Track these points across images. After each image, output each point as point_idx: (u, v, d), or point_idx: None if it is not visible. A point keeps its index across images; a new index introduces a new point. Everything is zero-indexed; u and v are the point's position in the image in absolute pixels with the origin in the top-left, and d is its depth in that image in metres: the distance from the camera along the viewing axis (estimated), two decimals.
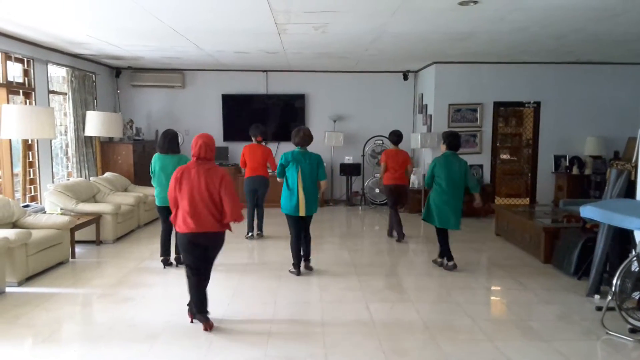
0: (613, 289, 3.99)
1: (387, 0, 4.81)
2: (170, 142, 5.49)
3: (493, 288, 5.26)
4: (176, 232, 4.01)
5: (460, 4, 4.90)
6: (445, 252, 5.71)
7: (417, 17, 5.50)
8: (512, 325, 4.15)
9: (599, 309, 4.39)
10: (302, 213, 5.33)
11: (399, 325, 4.14)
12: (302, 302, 4.68)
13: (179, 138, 9.57)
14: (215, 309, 4.31)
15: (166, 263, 5.71)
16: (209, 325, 3.96)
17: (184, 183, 3.87)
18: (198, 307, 4.03)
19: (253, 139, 7.11)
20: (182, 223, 3.89)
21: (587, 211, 4.47)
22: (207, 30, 6.29)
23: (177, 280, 5.29)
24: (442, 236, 5.71)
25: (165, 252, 5.73)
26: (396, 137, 7.16)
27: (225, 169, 4.12)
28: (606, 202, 4.62)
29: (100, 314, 4.42)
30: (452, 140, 5.66)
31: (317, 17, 5.52)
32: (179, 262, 5.65)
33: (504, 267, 5.82)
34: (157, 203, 5.60)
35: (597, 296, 4.76)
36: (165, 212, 5.59)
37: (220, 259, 5.69)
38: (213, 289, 4.93)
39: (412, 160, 7.35)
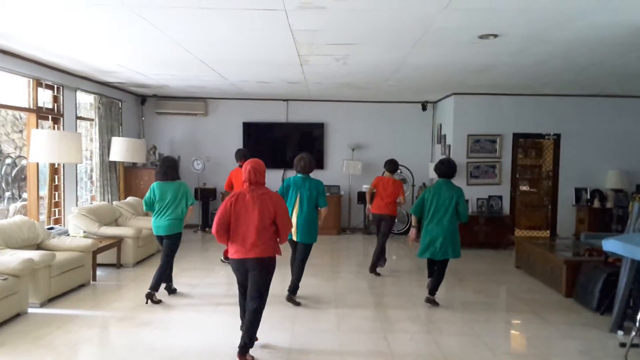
0: (637, 324, 3.92)
1: (408, 33, 4.92)
2: (168, 168, 5.42)
3: (514, 321, 5.18)
4: (228, 258, 4.02)
5: (481, 37, 4.98)
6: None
7: (437, 50, 5.60)
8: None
9: (623, 345, 4.30)
10: (294, 238, 5.32)
11: (419, 357, 4.09)
12: (319, 330, 4.65)
13: (200, 164, 9.84)
14: (232, 336, 4.33)
15: (149, 297, 5.33)
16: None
17: (238, 208, 3.86)
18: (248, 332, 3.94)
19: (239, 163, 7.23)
20: (233, 249, 3.91)
21: (610, 245, 4.43)
22: (232, 62, 6.47)
23: (195, 306, 5.33)
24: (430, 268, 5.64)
25: (162, 283, 5.53)
26: (393, 165, 6.95)
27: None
28: (629, 236, 4.56)
29: (120, 337, 4.45)
30: (441, 168, 5.47)
31: (339, 49, 5.65)
32: (169, 291, 5.65)
33: (524, 301, 5.73)
34: (154, 233, 5.46)
35: (620, 332, 4.66)
36: (159, 242, 5.50)
37: (228, 287, 5.76)
38: (229, 318, 4.95)
39: (404, 193, 6.98)
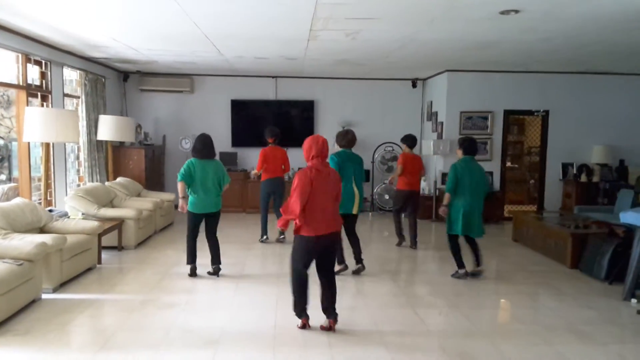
0: None
1: (430, 8, 4.87)
2: (208, 146, 5.42)
3: (531, 293, 5.27)
4: (300, 236, 3.87)
5: (502, 13, 4.99)
6: (477, 258, 5.68)
7: (452, 26, 5.58)
8: (564, 329, 4.20)
9: None
10: (355, 211, 5.48)
11: (455, 330, 4.17)
12: (348, 307, 4.64)
13: (188, 142, 9.59)
14: (264, 315, 4.30)
15: (194, 272, 5.52)
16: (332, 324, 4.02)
17: (317, 186, 3.77)
18: (301, 308, 4.04)
19: (268, 140, 7.20)
20: (313, 226, 3.79)
21: (629, 217, 4.62)
22: (238, 37, 6.27)
23: (216, 286, 5.25)
24: (470, 244, 5.70)
25: (194, 259, 5.54)
26: (413, 141, 7.16)
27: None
28: None
29: (150, 320, 4.28)
30: (470, 145, 5.66)
31: (354, 24, 5.55)
32: (217, 272, 5.53)
33: (533, 273, 5.90)
34: (195, 210, 5.36)
35: (634, 300, 4.87)
36: (200, 220, 5.49)
37: (242, 267, 5.73)
38: (254, 297, 4.91)
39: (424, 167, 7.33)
